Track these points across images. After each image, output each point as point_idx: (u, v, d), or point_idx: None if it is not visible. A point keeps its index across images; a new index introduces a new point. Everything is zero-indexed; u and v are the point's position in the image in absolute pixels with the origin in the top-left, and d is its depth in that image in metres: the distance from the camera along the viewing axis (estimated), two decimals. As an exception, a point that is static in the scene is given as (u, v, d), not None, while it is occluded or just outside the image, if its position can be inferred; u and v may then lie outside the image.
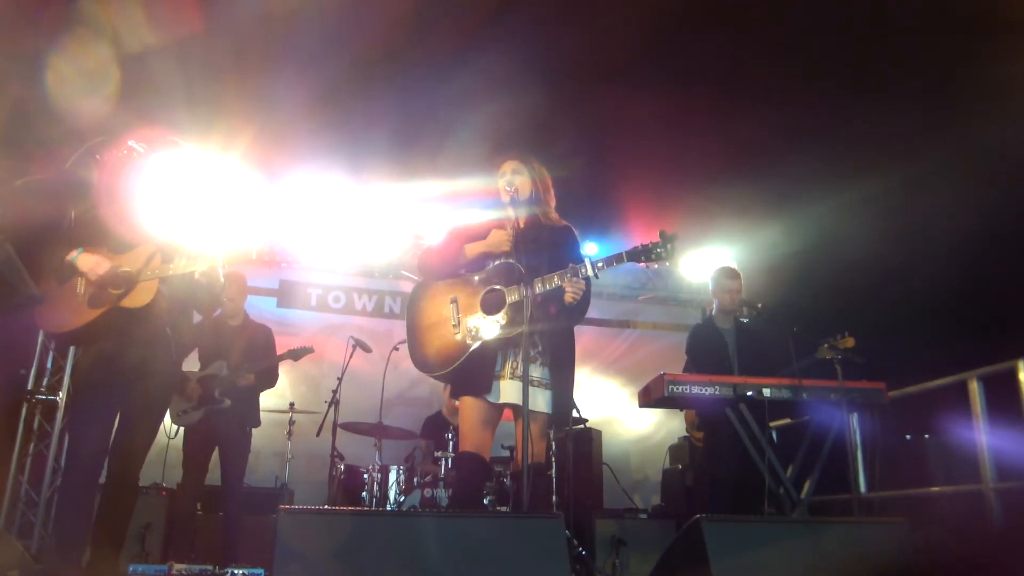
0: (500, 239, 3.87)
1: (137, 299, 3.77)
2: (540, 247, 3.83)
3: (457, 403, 3.96)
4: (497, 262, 3.84)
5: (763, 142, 6.66)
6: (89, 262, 3.73)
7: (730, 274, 5.55)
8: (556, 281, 3.68)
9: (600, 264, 3.70)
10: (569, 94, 6.51)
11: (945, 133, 5.89)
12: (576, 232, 4.05)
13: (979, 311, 6.00)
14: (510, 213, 3.94)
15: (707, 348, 5.40)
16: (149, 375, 3.82)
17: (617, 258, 3.70)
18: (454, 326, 3.77)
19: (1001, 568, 3.15)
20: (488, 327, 3.73)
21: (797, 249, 7.48)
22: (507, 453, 6.13)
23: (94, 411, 3.75)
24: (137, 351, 3.77)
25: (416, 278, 4.32)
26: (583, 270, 3.68)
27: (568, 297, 3.71)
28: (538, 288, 3.68)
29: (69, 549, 3.66)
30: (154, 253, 3.84)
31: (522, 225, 3.91)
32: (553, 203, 4.07)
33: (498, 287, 3.77)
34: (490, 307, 3.77)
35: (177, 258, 3.90)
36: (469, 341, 3.73)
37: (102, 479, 3.84)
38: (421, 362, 3.85)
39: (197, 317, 4.37)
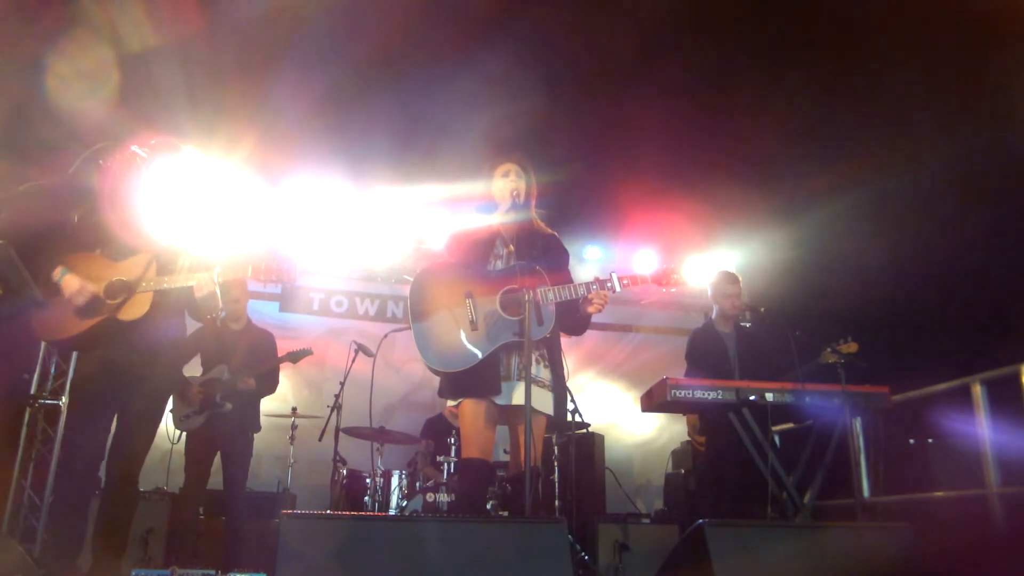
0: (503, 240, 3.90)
1: (132, 311, 3.74)
2: (539, 252, 3.83)
3: (452, 405, 3.92)
4: (513, 263, 3.83)
5: (766, 146, 6.66)
6: (73, 286, 3.68)
7: (730, 279, 5.55)
8: (581, 291, 3.73)
9: (626, 281, 3.78)
10: (570, 99, 6.52)
11: (949, 137, 5.88)
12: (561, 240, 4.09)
13: (982, 315, 5.99)
14: (511, 216, 3.94)
15: (708, 353, 5.40)
16: (146, 379, 3.82)
17: (641, 279, 3.84)
18: (471, 322, 3.67)
19: (1005, 572, 3.14)
20: (508, 329, 3.68)
21: (800, 253, 7.48)
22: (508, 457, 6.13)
23: (89, 415, 3.75)
24: (134, 358, 3.77)
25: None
26: (609, 284, 3.74)
27: (594, 308, 3.80)
28: (563, 295, 3.71)
29: (64, 553, 3.67)
30: (151, 262, 3.82)
31: (520, 229, 3.91)
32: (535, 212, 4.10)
33: (517, 288, 3.68)
34: (509, 308, 3.71)
35: (178, 264, 3.91)
36: (487, 342, 3.66)
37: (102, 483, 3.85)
38: (430, 355, 3.67)
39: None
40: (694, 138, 6.70)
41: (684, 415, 6.82)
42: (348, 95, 6.21)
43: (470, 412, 3.73)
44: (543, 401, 3.72)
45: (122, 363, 3.76)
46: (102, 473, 3.89)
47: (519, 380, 3.72)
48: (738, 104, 6.41)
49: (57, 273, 3.70)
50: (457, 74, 6.12)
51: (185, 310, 4.05)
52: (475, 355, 3.65)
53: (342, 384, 6.40)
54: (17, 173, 4.00)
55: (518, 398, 3.69)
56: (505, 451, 6.13)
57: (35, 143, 5.55)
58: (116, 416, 3.85)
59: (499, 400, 3.70)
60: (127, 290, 3.75)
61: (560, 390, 3.82)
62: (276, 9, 5.40)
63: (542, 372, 3.77)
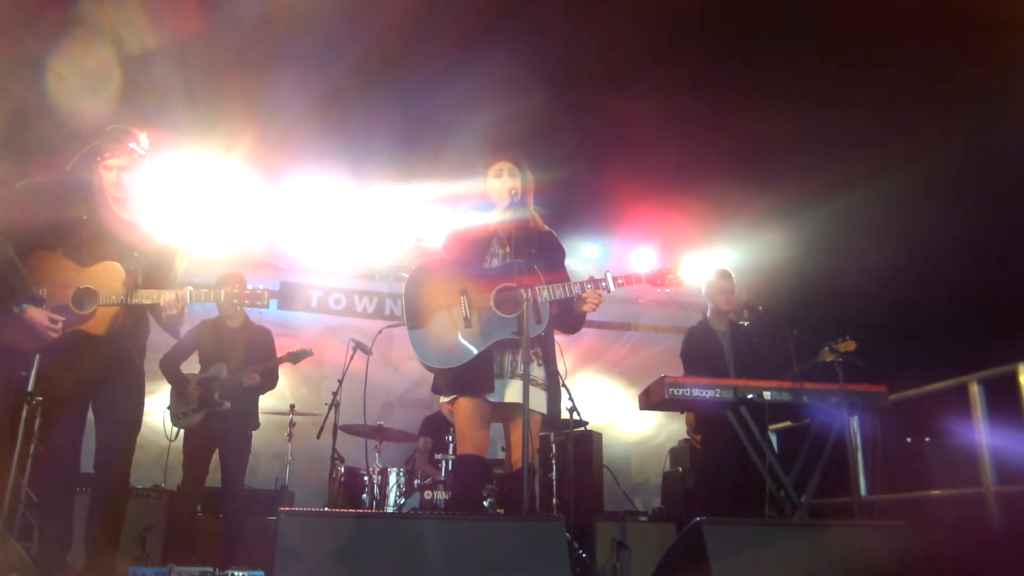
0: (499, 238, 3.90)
1: (98, 326, 3.70)
2: (535, 250, 3.84)
3: (446, 401, 3.93)
4: (509, 261, 3.83)
5: (765, 146, 6.66)
6: (41, 322, 3.57)
7: (723, 275, 5.57)
8: (576, 289, 3.73)
9: (620, 280, 3.78)
10: (570, 97, 6.51)
11: (946, 137, 5.89)
12: (558, 238, 4.09)
13: (980, 314, 6.00)
14: (509, 215, 3.95)
15: (703, 351, 5.40)
16: (115, 376, 3.80)
17: (636, 278, 3.84)
18: (465, 319, 3.68)
19: (1001, 571, 3.15)
20: (502, 327, 3.69)
21: (799, 252, 7.49)
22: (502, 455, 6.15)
23: (61, 415, 3.73)
24: (100, 362, 3.74)
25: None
26: (604, 283, 3.75)
27: (588, 307, 3.81)
28: (558, 293, 3.71)
29: (55, 550, 3.68)
30: (121, 273, 3.75)
31: (516, 228, 3.92)
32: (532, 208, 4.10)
33: (512, 285, 3.70)
34: (504, 305, 3.71)
35: (176, 264, 3.90)
36: (480, 340, 3.67)
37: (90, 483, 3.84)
38: (425, 352, 3.69)
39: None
40: (693, 136, 6.69)
41: (682, 413, 6.82)
42: (347, 93, 6.20)
43: (464, 410, 3.75)
44: (537, 399, 3.72)
45: (93, 370, 3.73)
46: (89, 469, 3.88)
47: (512, 378, 3.73)
48: (737, 103, 6.41)
49: (16, 309, 3.57)
50: (457, 72, 6.12)
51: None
52: (469, 352, 3.66)
53: (340, 382, 6.40)
54: (17, 172, 3.99)
55: (511, 396, 3.70)
56: (502, 448, 6.16)
57: (35, 142, 5.55)
58: (96, 416, 3.83)
59: (492, 398, 3.71)
60: (94, 300, 3.69)
61: (554, 388, 3.83)
62: (275, 7, 5.40)
63: (536, 370, 3.77)
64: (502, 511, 5.87)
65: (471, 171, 4.15)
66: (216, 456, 5.64)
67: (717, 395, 4.55)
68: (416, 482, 6.33)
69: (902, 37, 5.52)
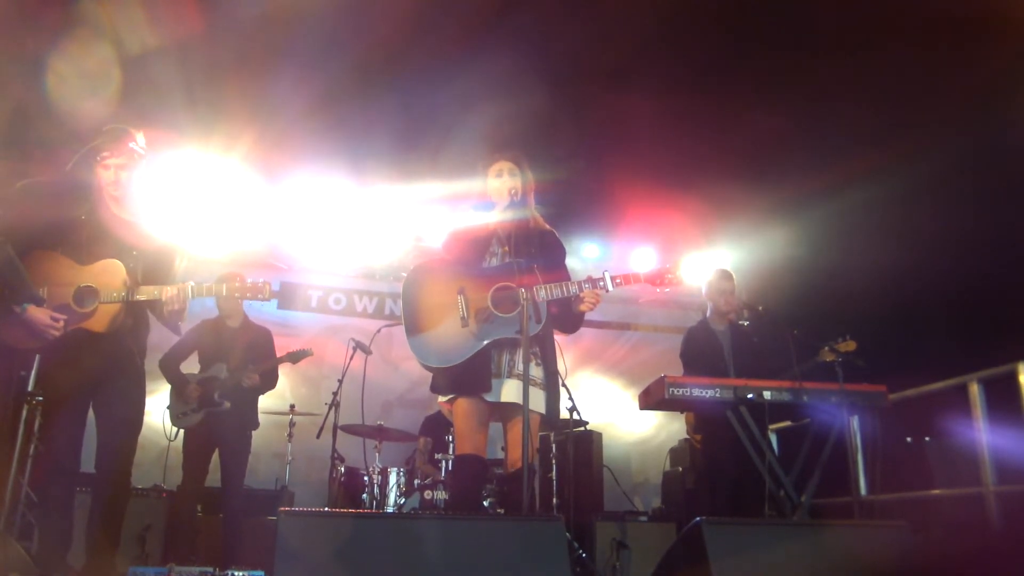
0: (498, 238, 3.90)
1: (99, 324, 3.70)
2: (535, 250, 3.84)
3: (444, 401, 3.92)
4: (507, 260, 3.82)
5: (765, 145, 6.66)
6: (43, 320, 3.57)
7: (724, 276, 5.57)
8: (574, 289, 3.72)
9: (618, 280, 3.77)
10: (570, 96, 6.51)
11: (947, 136, 5.89)
12: (559, 237, 4.08)
13: (979, 314, 6.00)
14: (509, 214, 3.94)
15: (702, 351, 5.40)
16: (116, 375, 3.80)
17: (634, 277, 3.83)
18: (463, 318, 3.68)
19: (1001, 571, 3.14)
20: (500, 326, 3.69)
21: (799, 252, 7.48)
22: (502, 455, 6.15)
23: (61, 414, 3.72)
24: (101, 361, 3.74)
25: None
26: (602, 282, 3.74)
27: (585, 307, 3.80)
28: (555, 293, 3.70)
29: (52, 551, 3.67)
30: (122, 270, 3.75)
31: (516, 227, 3.91)
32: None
33: (510, 285, 3.70)
34: (501, 305, 3.71)
35: (175, 265, 3.90)
36: (477, 338, 3.67)
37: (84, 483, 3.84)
38: (423, 351, 3.70)
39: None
40: (693, 135, 6.69)
41: (682, 413, 6.82)
42: (348, 92, 6.20)
43: (462, 410, 3.75)
44: (536, 399, 3.71)
45: (94, 369, 3.72)
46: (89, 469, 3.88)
47: (509, 377, 3.73)
48: (738, 102, 6.41)
49: (17, 308, 3.56)
50: (457, 72, 6.12)
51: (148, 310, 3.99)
52: (466, 351, 3.66)
53: (340, 381, 6.40)
54: (17, 172, 3.98)
55: (508, 395, 3.70)
56: (502, 448, 6.15)
57: (35, 142, 5.55)
58: (96, 416, 3.83)
59: (489, 397, 3.71)
60: (95, 297, 3.68)
61: (553, 388, 3.83)
62: (275, 7, 5.39)
63: (534, 370, 3.76)
64: (502, 511, 5.86)
65: (471, 171, 4.14)
66: (216, 456, 5.64)
67: (717, 395, 4.55)
68: (416, 482, 6.33)
69: (902, 35, 5.52)
